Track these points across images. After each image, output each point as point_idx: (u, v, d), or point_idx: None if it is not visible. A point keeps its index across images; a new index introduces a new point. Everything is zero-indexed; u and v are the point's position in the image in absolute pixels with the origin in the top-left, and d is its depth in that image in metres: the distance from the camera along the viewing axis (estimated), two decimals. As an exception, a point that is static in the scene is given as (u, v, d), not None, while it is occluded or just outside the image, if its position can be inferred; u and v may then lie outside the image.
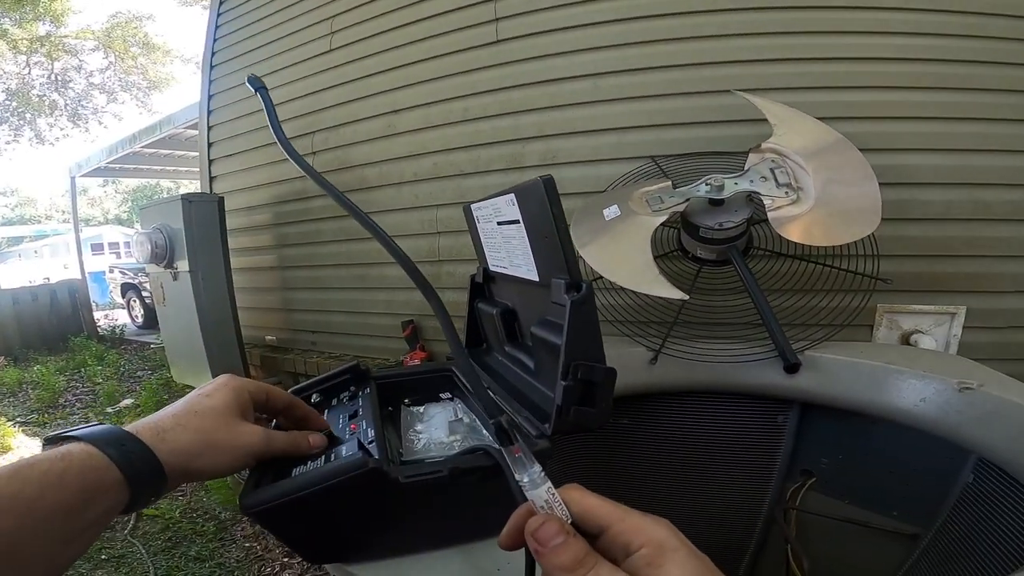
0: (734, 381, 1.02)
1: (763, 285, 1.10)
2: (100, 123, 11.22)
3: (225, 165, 2.76)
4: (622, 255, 1.04)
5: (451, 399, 0.68)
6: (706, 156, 1.35)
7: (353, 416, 0.55)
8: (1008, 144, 1.32)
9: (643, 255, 1.02)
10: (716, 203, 1.06)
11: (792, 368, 0.97)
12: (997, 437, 0.77)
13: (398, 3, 1.95)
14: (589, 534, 0.27)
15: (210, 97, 2.78)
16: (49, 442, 0.36)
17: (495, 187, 0.78)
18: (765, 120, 1.14)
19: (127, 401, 3.47)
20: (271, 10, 2.41)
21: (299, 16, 2.30)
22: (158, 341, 4.89)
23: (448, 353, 1.90)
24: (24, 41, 9.05)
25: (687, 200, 1.07)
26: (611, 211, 1.09)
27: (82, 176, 6.15)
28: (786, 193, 1.03)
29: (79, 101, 10.76)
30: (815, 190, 1.01)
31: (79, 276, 6.05)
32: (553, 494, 0.28)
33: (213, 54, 2.74)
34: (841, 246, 1.07)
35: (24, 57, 9.47)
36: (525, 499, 0.29)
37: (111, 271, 7.22)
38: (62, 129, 10.89)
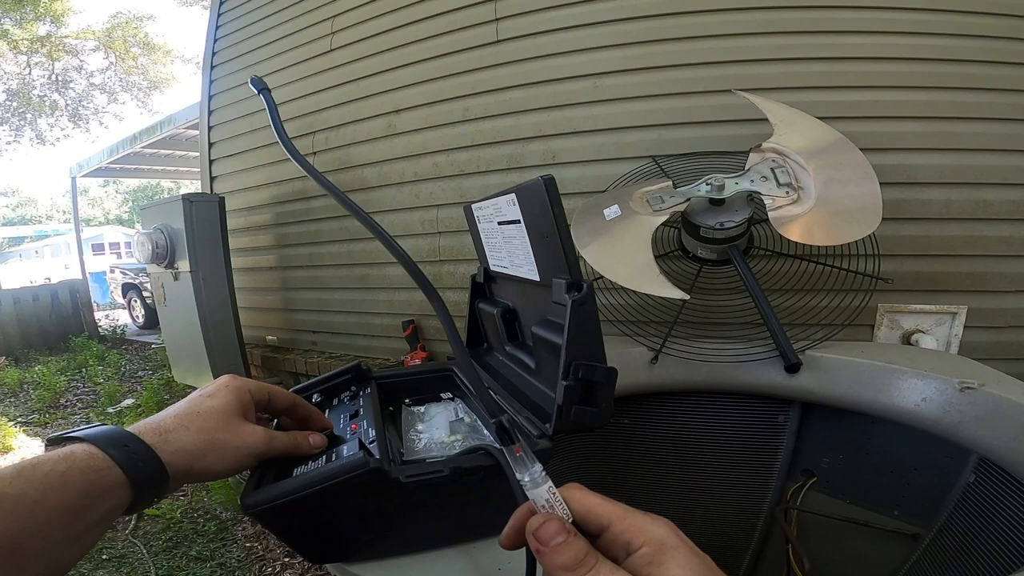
0: (735, 381, 1.02)
1: (764, 285, 1.10)
2: (101, 123, 11.21)
3: (226, 165, 2.76)
4: (623, 255, 1.04)
5: (452, 399, 0.68)
6: (706, 156, 1.35)
7: (354, 416, 0.56)
8: (1009, 143, 1.32)
9: (644, 255, 1.02)
10: (717, 203, 1.06)
11: (793, 368, 0.97)
12: (998, 437, 0.77)
13: (398, 3, 1.94)
14: (590, 533, 0.27)
15: (211, 97, 2.78)
16: (52, 443, 0.36)
17: (496, 187, 0.78)
18: (765, 120, 1.14)
19: (128, 401, 3.48)
20: (271, 10, 2.42)
21: (300, 16, 2.30)
22: (159, 341, 4.90)
23: (449, 353, 1.90)
24: (25, 41, 9.04)
25: (688, 200, 1.07)
26: (612, 211, 1.09)
27: (83, 176, 6.16)
28: (787, 193, 1.03)
29: (80, 101, 10.75)
30: (816, 190, 1.01)
31: (80, 276, 6.07)
32: (554, 493, 0.28)
33: (214, 54, 2.74)
34: (842, 246, 1.07)
35: (25, 57, 9.46)
36: (526, 498, 0.29)
37: (112, 271, 7.23)
38: (63, 129, 10.88)
